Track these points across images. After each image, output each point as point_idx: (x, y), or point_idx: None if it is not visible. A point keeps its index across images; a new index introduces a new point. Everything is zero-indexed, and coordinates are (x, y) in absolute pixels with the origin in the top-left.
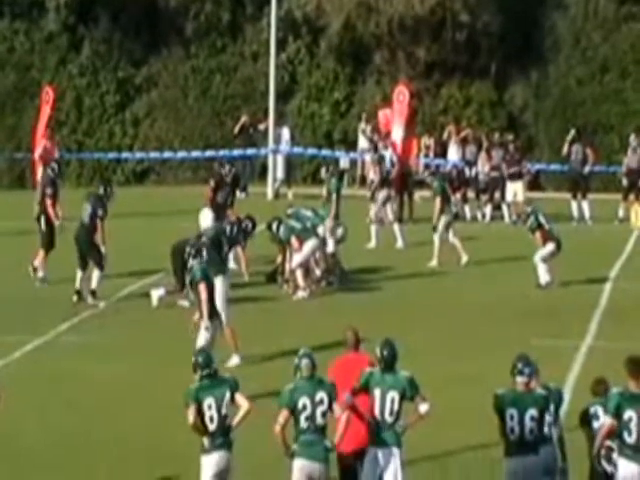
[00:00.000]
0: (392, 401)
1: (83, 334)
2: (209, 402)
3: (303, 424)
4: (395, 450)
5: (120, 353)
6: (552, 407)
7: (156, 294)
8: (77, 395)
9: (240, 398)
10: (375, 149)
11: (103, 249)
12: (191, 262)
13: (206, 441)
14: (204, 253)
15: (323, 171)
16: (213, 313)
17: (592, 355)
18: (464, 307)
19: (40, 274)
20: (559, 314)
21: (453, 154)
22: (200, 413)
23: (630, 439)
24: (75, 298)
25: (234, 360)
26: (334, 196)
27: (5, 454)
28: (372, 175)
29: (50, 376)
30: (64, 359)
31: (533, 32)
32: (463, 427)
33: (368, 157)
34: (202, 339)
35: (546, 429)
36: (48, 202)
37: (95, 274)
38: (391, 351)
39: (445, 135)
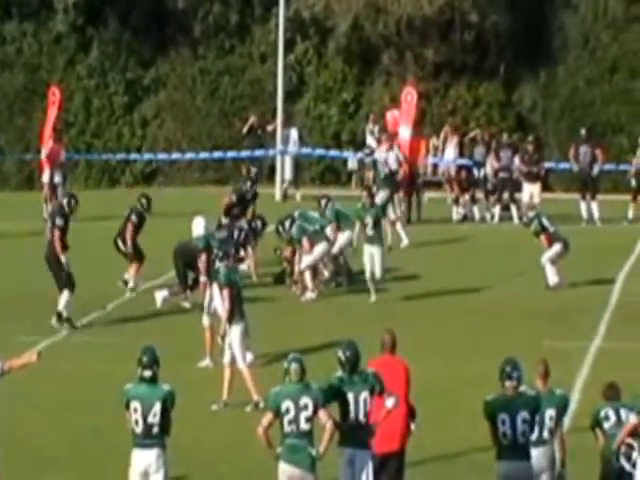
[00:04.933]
0: (365, 402)
1: (92, 335)
2: (135, 405)
3: (287, 428)
4: (369, 451)
5: (128, 353)
6: (555, 412)
7: (160, 295)
8: (87, 394)
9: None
10: (371, 153)
11: (63, 259)
12: (217, 264)
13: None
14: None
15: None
16: (235, 317)
17: (601, 356)
18: (472, 308)
19: (131, 284)
20: (568, 315)
21: (450, 154)
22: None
23: None
24: (54, 320)
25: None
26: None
27: (17, 454)
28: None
29: (61, 376)
30: (74, 359)
31: (542, 32)
32: (472, 428)
33: (368, 160)
34: (232, 339)
35: (545, 433)
36: (130, 228)
37: (64, 295)
38: (354, 352)
39: (442, 135)
